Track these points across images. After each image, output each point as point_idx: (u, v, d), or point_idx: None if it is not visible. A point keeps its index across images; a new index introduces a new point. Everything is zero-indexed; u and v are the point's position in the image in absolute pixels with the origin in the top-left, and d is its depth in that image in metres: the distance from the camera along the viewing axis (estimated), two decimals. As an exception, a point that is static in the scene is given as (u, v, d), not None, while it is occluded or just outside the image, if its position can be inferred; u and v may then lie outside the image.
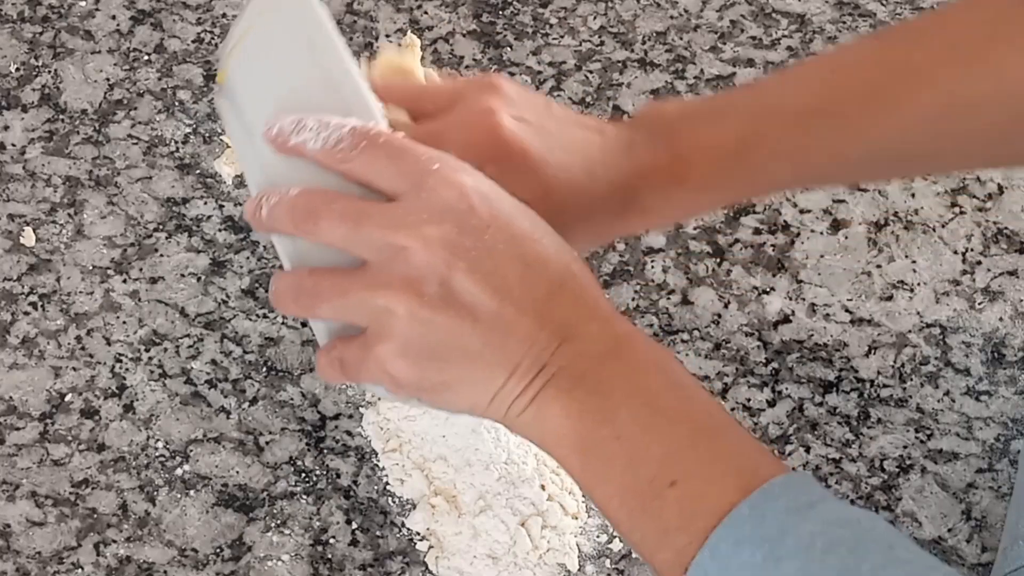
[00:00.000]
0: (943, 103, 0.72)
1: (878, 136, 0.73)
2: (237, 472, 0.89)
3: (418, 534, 0.87)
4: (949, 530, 0.88)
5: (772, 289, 0.96)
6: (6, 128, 1.01)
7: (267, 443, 0.90)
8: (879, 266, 0.97)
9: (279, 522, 0.87)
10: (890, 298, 0.96)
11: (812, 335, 0.94)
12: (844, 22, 1.07)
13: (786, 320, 0.95)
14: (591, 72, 1.04)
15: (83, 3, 1.06)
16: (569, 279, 0.64)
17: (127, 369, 0.92)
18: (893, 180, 0.98)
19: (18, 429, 0.90)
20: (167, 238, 0.97)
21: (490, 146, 0.68)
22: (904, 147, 0.74)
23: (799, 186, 0.78)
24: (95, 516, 0.87)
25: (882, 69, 0.73)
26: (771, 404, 0.92)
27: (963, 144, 0.74)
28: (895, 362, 0.94)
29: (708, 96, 1.01)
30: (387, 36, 1.06)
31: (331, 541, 0.87)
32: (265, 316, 0.94)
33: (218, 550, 0.87)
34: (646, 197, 0.71)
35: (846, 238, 0.98)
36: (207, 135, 1.01)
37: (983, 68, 0.71)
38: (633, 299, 0.95)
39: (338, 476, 0.89)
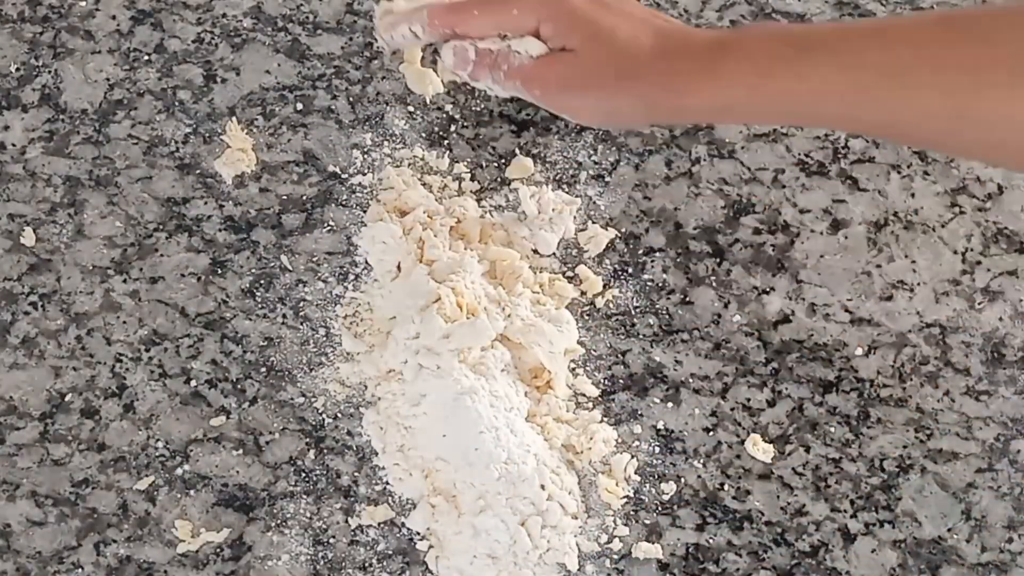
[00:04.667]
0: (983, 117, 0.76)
1: (913, 111, 0.78)
2: (237, 472, 0.89)
3: (418, 534, 0.87)
4: (949, 530, 0.88)
5: (772, 289, 0.96)
6: (6, 128, 1.01)
7: (267, 443, 0.90)
8: (879, 266, 0.97)
9: (279, 522, 0.87)
10: (890, 298, 0.96)
11: (812, 335, 0.94)
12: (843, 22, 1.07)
13: (786, 320, 0.95)
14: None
15: (83, 3, 1.06)
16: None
17: (127, 369, 0.92)
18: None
19: (18, 429, 0.90)
20: (167, 238, 0.97)
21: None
22: (929, 122, 0.78)
23: (822, 118, 0.85)
24: (95, 516, 0.87)
25: (962, 47, 0.77)
26: (771, 404, 0.92)
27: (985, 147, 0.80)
28: (895, 362, 0.94)
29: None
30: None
31: (331, 541, 0.87)
32: (265, 316, 0.94)
33: (218, 550, 0.87)
34: (680, 83, 0.83)
35: (846, 238, 0.98)
36: (207, 135, 1.01)
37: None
38: (633, 299, 0.95)
39: (338, 476, 0.89)
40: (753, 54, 0.81)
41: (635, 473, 0.90)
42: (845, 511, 0.89)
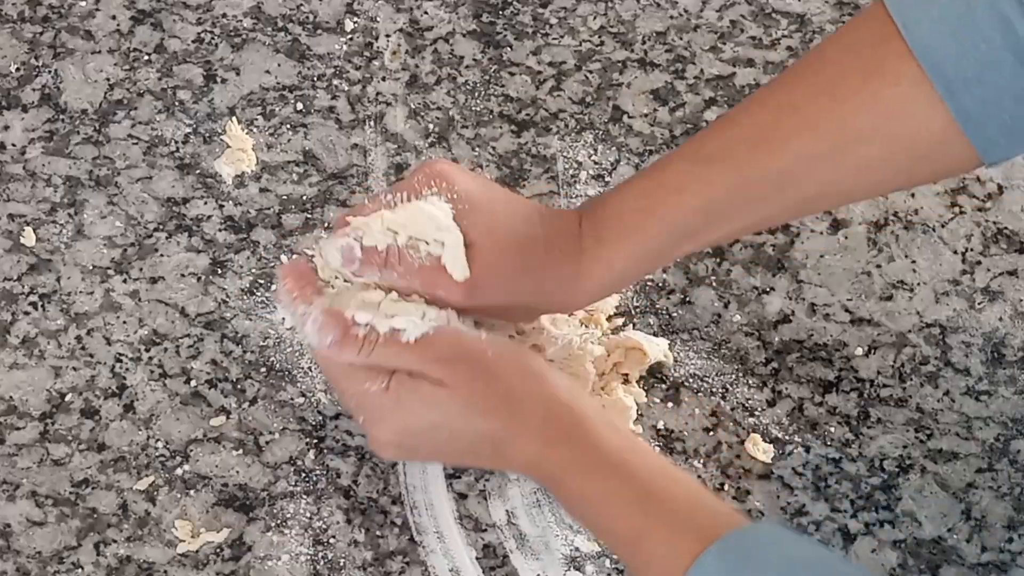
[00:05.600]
0: (829, 138, 0.76)
1: (774, 173, 0.77)
2: (237, 472, 0.89)
3: (419, 533, 0.87)
4: (949, 530, 0.88)
5: (772, 289, 0.96)
6: (6, 128, 1.01)
7: (267, 443, 0.90)
8: (879, 266, 0.97)
9: (279, 522, 0.87)
10: (890, 298, 0.96)
11: (812, 335, 0.94)
12: (844, 22, 1.07)
13: (786, 320, 0.95)
14: (591, 72, 1.04)
15: (83, 3, 1.06)
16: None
17: (127, 369, 0.92)
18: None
19: (18, 429, 0.90)
20: (167, 238, 0.97)
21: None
22: (795, 184, 0.78)
23: (711, 237, 0.81)
24: (95, 516, 0.87)
25: (767, 110, 0.78)
26: (771, 404, 0.92)
27: (848, 173, 0.78)
28: (895, 362, 0.94)
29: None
30: (387, 36, 1.06)
31: (331, 541, 0.87)
32: (265, 316, 0.94)
33: (218, 550, 0.87)
34: (572, 265, 0.80)
35: (846, 238, 0.98)
36: (207, 135, 1.01)
37: (859, 103, 0.76)
38: (633, 299, 0.95)
39: (338, 476, 0.89)
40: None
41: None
42: (845, 511, 0.89)
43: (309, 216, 0.98)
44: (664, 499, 0.74)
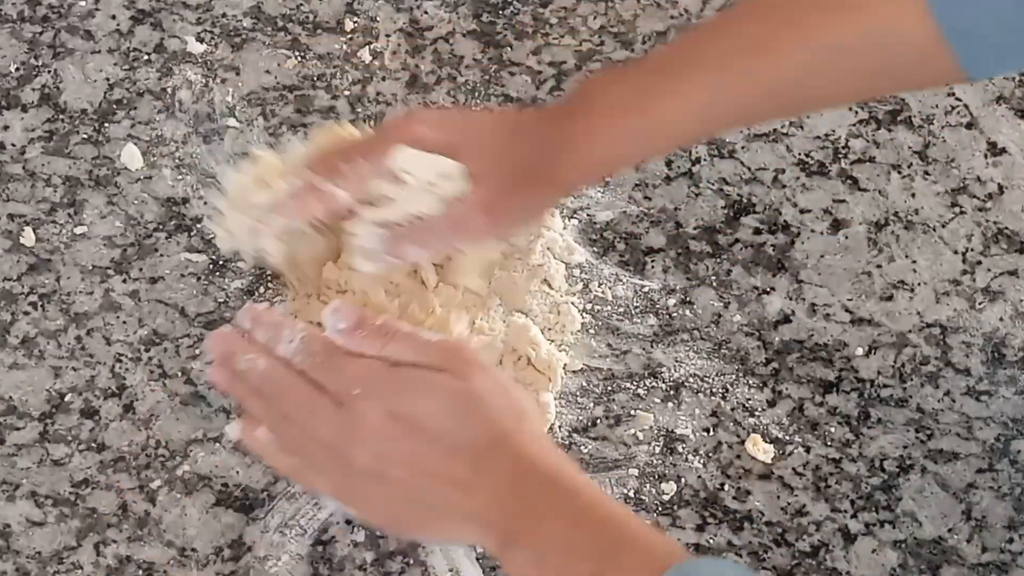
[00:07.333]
0: (815, 48, 0.80)
1: (762, 81, 0.81)
2: (237, 472, 0.89)
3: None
4: (949, 530, 0.88)
5: (772, 289, 0.96)
6: (6, 128, 1.01)
7: (267, 443, 0.90)
8: (879, 266, 0.97)
9: (279, 522, 0.87)
10: (890, 298, 0.96)
11: (812, 335, 0.94)
12: (844, 22, 1.07)
13: (786, 320, 0.95)
14: (591, 72, 1.04)
15: (83, 3, 1.06)
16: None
17: (127, 369, 0.92)
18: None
19: (18, 429, 0.90)
20: (167, 238, 0.97)
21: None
22: (785, 90, 0.81)
23: (701, 134, 0.88)
24: (95, 516, 0.87)
25: (763, 20, 0.81)
26: (771, 404, 0.92)
27: (838, 82, 0.82)
28: (895, 362, 0.94)
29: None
30: (387, 36, 1.06)
31: (331, 541, 0.87)
32: (265, 316, 0.94)
33: (218, 550, 0.87)
34: (563, 156, 0.82)
35: (846, 238, 0.98)
36: (207, 135, 1.01)
37: (847, 15, 0.79)
38: (633, 299, 0.95)
39: (338, 476, 0.89)
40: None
41: (635, 473, 0.90)
42: (845, 511, 0.89)
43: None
44: (619, 536, 0.72)
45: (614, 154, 0.84)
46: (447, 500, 0.74)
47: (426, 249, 0.86)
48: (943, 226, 0.99)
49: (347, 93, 1.03)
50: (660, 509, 0.89)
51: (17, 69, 1.03)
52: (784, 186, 1.00)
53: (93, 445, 0.90)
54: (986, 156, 1.01)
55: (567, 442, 0.90)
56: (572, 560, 0.71)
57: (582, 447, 0.90)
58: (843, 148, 1.01)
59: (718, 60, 0.81)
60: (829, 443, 0.91)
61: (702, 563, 0.74)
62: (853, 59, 0.79)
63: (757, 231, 0.98)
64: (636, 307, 0.95)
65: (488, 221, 0.83)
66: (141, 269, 0.96)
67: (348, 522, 0.87)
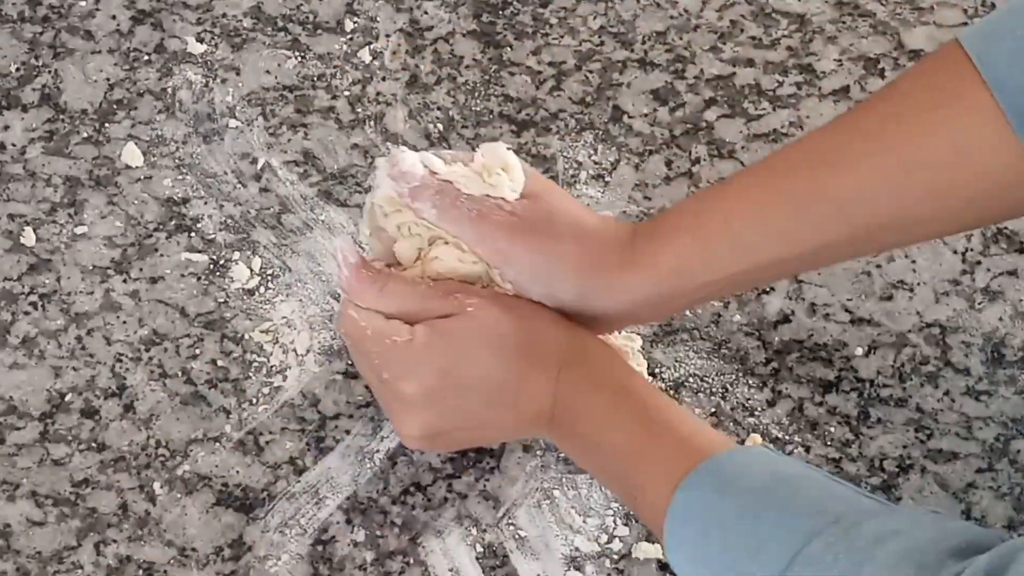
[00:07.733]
0: (897, 162, 0.75)
1: (837, 193, 0.76)
2: (237, 472, 0.89)
3: (419, 533, 0.87)
4: (949, 530, 0.88)
5: (772, 289, 0.96)
6: (6, 128, 1.01)
7: (267, 443, 0.90)
8: (879, 266, 0.97)
9: (279, 522, 0.87)
10: (890, 298, 0.96)
11: (812, 335, 0.94)
12: (844, 22, 1.07)
13: (786, 320, 0.95)
14: (591, 72, 1.04)
15: (83, 3, 1.06)
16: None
17: (127, 369, 0.92)
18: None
19: (18, 429, 0.90)
20: (167, 238, 0.97)
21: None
22: (859, 209, 0.77)
23: (766, 258, 0.79)
24: (95, 516, 0.87)
25: (837, 133, 0.78)
26: (771, 404, 0.92)
27: (927, 205, 0.76)
28: (895, 362, 0.94)
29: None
30: (387, 36, 1.06)
31: (331, 541, 0.87)
32: (265, 317, 0.94)
33: (218, 550, 0.87)
34: (612, 286, 0.81)
35: (846, 238, 0.98)
36: (207, 135, 1.01)
37: (931, 129, 0.75)
38: (633, 299, 0.95)
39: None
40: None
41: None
42: (845, 511, 0.89)
43: (309, 216, 0.98)
44: (665, 419, 0.78)
45: (662, 283, 0.81)
46: (511, 415, 0.81)
47: (438, 212, 0.81)
48: (943, 226, 0.99)
49: (347, 93, 1.03)
50: (660, 509, 0.89)
51: (17, 69, 1.04)
52: (784, 186, 1.00)
53: (93, 445, 0.90)
54: (986, 156, 1.01)
55: (567, 442, 0.90)
56: (617, 427, 0.78)
57: (582, 447, 0.90)
58: (843, 148, 1.01)
59: (785, 168, 0.78)
60: (829, 443, 0.91)
61: (752, 450, 0.79)
62: (933, 174, 0.76)
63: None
64: (636, 307, 0.95)
65: (508, 230, 0.80)
66: (141, 269, 0.96)
67: (348, 521, 0.87)
